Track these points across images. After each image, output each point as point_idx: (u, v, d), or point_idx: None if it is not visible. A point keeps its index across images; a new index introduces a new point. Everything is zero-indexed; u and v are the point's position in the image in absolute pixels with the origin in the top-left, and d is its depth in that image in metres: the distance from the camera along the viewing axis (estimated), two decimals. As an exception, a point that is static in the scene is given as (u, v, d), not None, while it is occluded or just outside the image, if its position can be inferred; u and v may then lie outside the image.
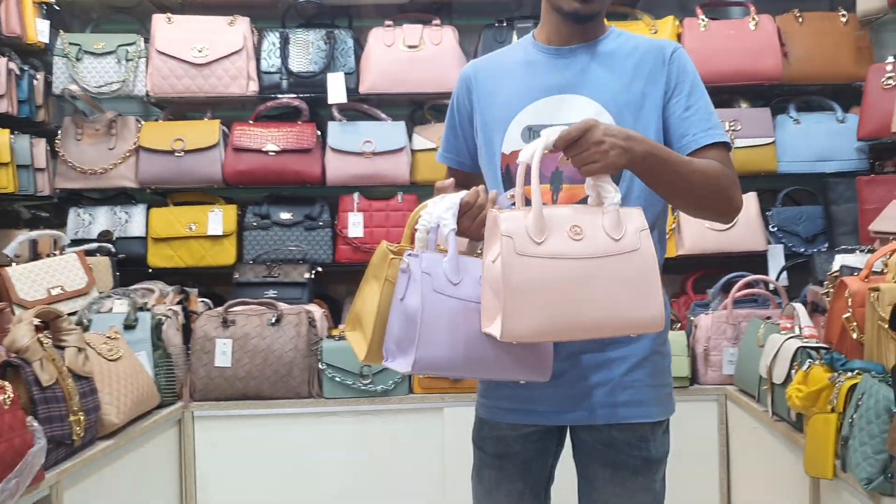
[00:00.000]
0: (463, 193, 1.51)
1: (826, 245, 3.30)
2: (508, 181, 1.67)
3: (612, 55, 1.65)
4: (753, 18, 3.29)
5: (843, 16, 3.34)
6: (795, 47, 3.31)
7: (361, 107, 3.43)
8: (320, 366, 2.92)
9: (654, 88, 1.62)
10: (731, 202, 1.59)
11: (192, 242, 3.31)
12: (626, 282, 1.37)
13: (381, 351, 1.51)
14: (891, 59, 3.12)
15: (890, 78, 3.07)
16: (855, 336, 2.07)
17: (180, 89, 3.29)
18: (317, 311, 3.08)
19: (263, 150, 3.28)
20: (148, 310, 2.84)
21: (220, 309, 3.01)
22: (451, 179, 1.62)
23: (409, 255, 1.47)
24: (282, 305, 3.01)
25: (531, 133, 1.63)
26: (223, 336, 2.91)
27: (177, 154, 3.27)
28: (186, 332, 3.01)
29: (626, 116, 1.60)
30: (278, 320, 2.94)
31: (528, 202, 1.40)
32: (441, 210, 1.49)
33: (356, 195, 3.35)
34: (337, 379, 2.89)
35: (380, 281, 1.53)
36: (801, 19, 3.35)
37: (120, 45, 3.32)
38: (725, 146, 1.60)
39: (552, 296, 1.35)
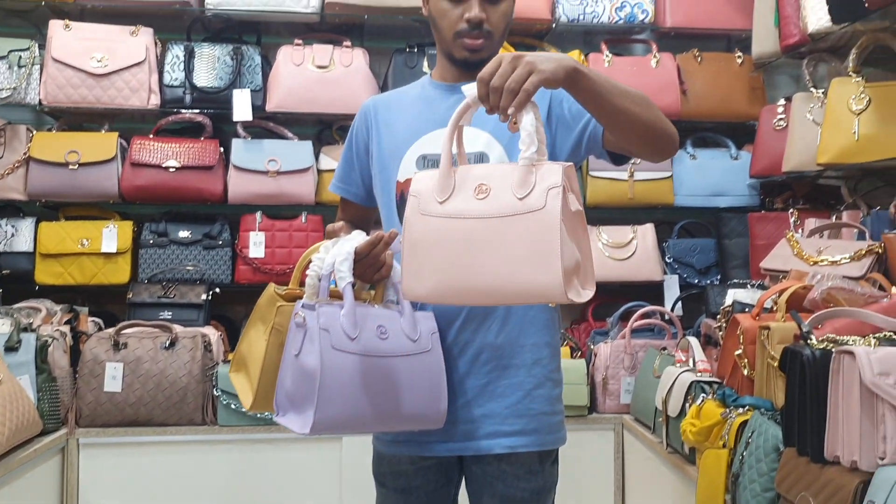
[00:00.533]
0: (357, 240, 1.50)
1: (719, 277, 3.42)
2: (403, 208, 1.68)
3: None
4: (655, 56, 3.40)
5: (739, 57, 3.48)
6: (694, 85, 3.43)
7: (267, 125, 3.37)
8: (215, 392, 2.83)
9: (542, 111, 1.64)
10: (670, 126, 1.55)
11: (83, 259, 3.17)
12: (523, 244, 1.26)
13: (269, 401, 1.47)
14: (782, 101, 3.26)
15: (781, 119, 3.21)
16: (746, 373, 2.14)
17: (76, 99, 3.15)
18: (213, 333, 3.00)
19: (163, 165, 3.17)
20: (33, 330, 2.70)
21: (111, 330, 2.88)
22: (342, 223, 1.63)
23: (304, 306, 1.44)
24: (177, 328, 2.91)
25: (426, 161, 1.68)
26: (114, 359, 2.79)
27: (70, 167, 3.12)
28: (75, 353, 2.87)
29: (514, 142, 1.61)
30: (172, 343, 2.84)
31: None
32: (337, 260, 1.47)
33: (258, 214, 3.28)
34: (232, 406, 2.81)
35: (267, 326, 1.49)
36: (699, 59, 3.47)
37: (12, 51, 3.15)
38: None
39: (448, 256, 1.30)
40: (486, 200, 1.30)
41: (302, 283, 1.57)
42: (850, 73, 2.66)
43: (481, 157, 1.66)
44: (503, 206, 1.29)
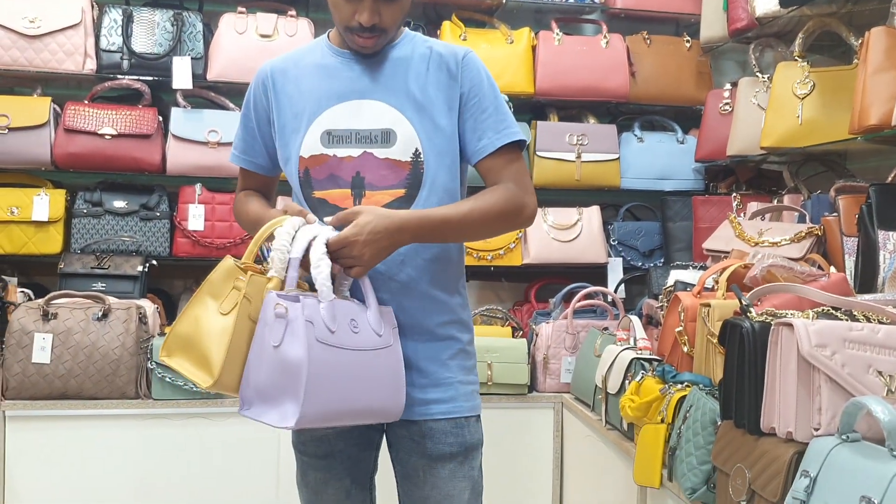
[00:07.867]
0: (327, 233, 1.49)
1: (662, 260, 3.43)
2: (307, 185, 1.68)
3: (406, 60, 1.68)
4: (605, 37, 3.39)
5: (688, 41, 3.49)
6: (642, 68, 3.43)
7: (208, 94, 3.27)
8: (150, 365, 2.75)
9: (450, 92, 1.66)
10: (519, 217, 1.68)
11: (13, 227, 3.04)
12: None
13: (234, 379, 1.43)
14: (728, 85, 3.28)
15: (727, 104, 3.23)
16: (686, 349, 2.15)
17: (7, 61, 3.02)
18: (149, 306, 2.91)
19: (99, 132, 3.06)
20: (-44, 299, 2.59)
21: (40, 301, 2.78)
22: (307, 211, 1.59)
23: (283, 297, 1.41)
24: (110, 299, 2.82)
25: (330, 137, 1.65)
26: (42, 330, 2.69)
27: (0, 131, 3.00)
28: (2, 324, 2.76)
29: (422, 119, 1.64)
30: (105, 315, 2.75)
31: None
32: (314, 257, 1.45)
33: (198, 186, 3.19)
34: (168, 379, 2.73)
35: (221, 300, 1.43)
36: (649, 42, 3.47)
37: (-61, 8, 3.02)
38: (519, 145, 1.68)
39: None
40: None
41: (257, 259, 1.53)
42: (796, 57, 2.68)
43: (388, 134, 1.64)
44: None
